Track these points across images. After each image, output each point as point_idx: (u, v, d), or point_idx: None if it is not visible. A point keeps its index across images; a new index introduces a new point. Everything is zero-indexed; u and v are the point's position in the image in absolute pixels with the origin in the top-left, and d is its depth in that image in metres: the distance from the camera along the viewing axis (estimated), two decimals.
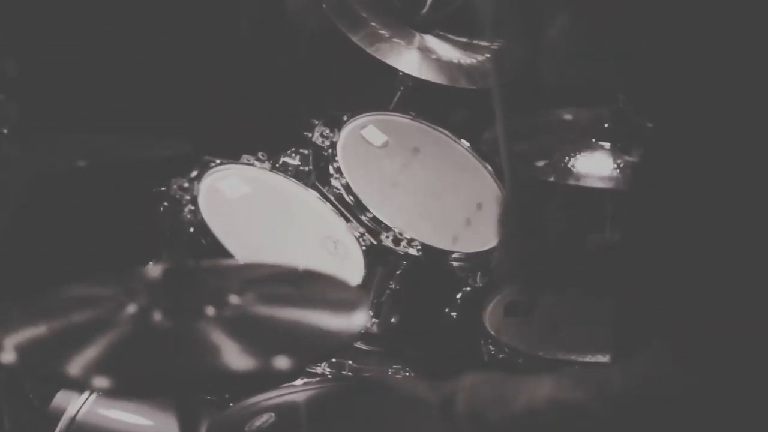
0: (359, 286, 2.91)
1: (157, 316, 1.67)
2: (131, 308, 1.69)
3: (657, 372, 1.75)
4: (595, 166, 3.11)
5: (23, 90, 2.46)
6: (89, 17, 3.66)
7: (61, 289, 1.80)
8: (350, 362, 3.04)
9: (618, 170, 3.08)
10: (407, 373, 3.09)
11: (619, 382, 1.79)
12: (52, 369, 1.59)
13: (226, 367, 1.56)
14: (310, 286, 1.88)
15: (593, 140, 3.18)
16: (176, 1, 3.81)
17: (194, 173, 2.93)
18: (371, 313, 3.14)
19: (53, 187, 3.20)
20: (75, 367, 1.55)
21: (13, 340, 1.62)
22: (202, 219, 2.79)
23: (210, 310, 1.68)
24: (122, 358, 1.61)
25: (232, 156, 3.10)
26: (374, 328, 3.21)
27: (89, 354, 1.58)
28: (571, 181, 3.06)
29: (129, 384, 1.60)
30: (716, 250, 1.72)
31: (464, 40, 3.67)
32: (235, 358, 1.58)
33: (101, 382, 1.54)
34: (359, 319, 1.71)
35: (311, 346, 1.68)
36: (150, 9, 3.75)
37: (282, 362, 1.55)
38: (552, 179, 3.08)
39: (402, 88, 3.61)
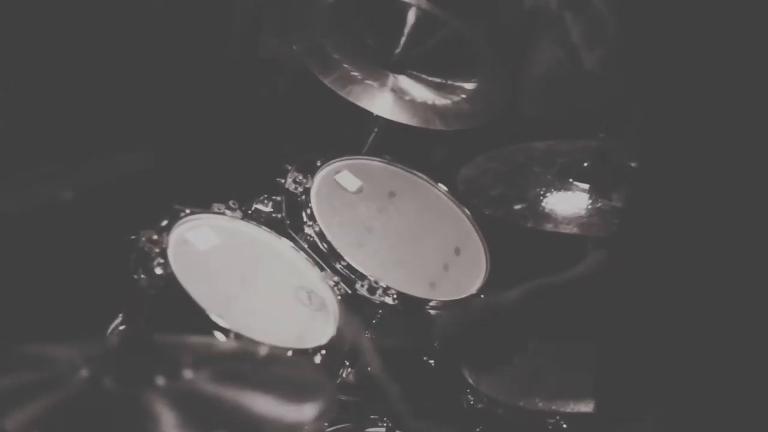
0: (334, 337, 2.84)
1: (108, 382, 1.69)
2: (84, 372, 1.71)
3: None
4: (574, 210, 3.05)
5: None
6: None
7: (14, 345, 1.81)
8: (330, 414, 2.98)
9: (597, 214, 3.02)
10: (385, 423, 3.04)
11: None
12: None
13: None
14: (272, 367, 1.90)
15: (571, 181, 3.12)
16: (148, 43, 3.76)
17: (164, 223, 2.87)
18: (347, 363, 3.08)
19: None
20: (10, 423, 1.57)
21: None
22: (172, 272, 2.72)
23: (160, 381, 1.69)
24: (60, 418, 1.63)
25: (203, 203, 3.03)
26: (351, 378, 3.14)
27: (29, 412, 1.61)
28: (549, 227, 3.01)
29: None
30: (703, 298, 1.68)
31: (438, 80, 3.61)
32: (172, 430, 1.60)
33: None
34: (307, 412, 1.75)
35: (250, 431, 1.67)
36: (116, 48, 3.70)
37: None
38: (529, 224, 3.03)
39: (376, 130, 3.55)
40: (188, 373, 1.72)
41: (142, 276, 2.74)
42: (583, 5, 2.08)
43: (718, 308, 1.67)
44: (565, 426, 2.87)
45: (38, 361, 1.77)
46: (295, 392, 1.80)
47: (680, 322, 1.70)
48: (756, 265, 1.67)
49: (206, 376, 1.73)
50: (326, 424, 3.00)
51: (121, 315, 2.87)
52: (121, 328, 2.80)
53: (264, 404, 1.73)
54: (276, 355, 1.97)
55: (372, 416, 3.09)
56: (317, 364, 2.66)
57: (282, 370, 1.91)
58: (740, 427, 1.69)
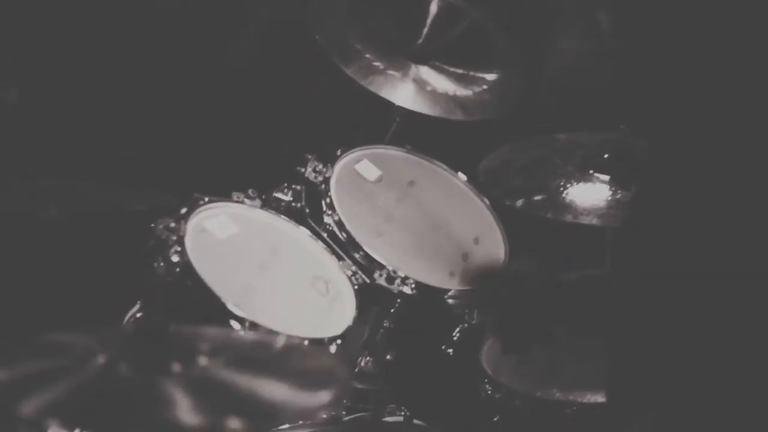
0: (350, 326, 2.85)
1: (123, 368, 1.70)
2: (100, 358, 1.73)
3: None
4: (594, 201, 3.04)
5: None
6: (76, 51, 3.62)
7: (36, 334, 1.83)
8: (345, 401, 2.99)
9: (617, 206, 3.01)
10: (403, 412, 3.04)
11: None
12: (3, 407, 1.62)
13: (173, 421, 1.58)
14: (286, 355, 1.90)
15: (591, 172, 3.11)
16: (166, 32, 3.77)
17: (183, 211, 2.88)
18: (366, 352, 3.09)
19: (30, 233, 3.15)
20: (28, 407, 1.59)
21: None
22: (188, 261, 2.73)
23: (176, 368, 1.71)
24: (77, 404, 1.64)
25: (222, 192, 3.04)
26: (369, 367, 3.14)
27: (46, 397, 1.62)
28: (569, 218, 3.00)
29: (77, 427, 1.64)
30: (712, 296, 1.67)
31: (460, 71, 3.61)
32: (186, 414, 1.61)
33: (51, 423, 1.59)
34: (322, 397, 1.73)
35: (264, 416, 1.68)
36: (138, 41, 3.71)
37: (233, 423, 1.58)
38: (549, 215, 3.03)
39: (398, 119, 3.55)
40: (203, 360, 1.74)
41: (160, 263, 2.75)
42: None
43: (724, 306, 1.66)
44: (581, 416, 2.86)
45: (57, 348, 1.79)
46: (309, 380, 1.79)
47: (684, 319, 1.70)
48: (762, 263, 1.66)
49: (221, 364, 1.75)
50: (344, 412, 3.01)
51: (138, 303, 2.88)
52: (138, 315, 2.81)
53: (278, 391, 1.74)
54: (290, 344, 1.96)
55: (390, 405, 3.09)
56: (331, 354, 2.66)
57: (296, 359, 1.91)
58: (741, 426, 1.68)
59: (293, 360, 1.91)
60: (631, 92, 1.87)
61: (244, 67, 3.91)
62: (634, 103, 1.97)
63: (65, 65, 3.59)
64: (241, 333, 2.28)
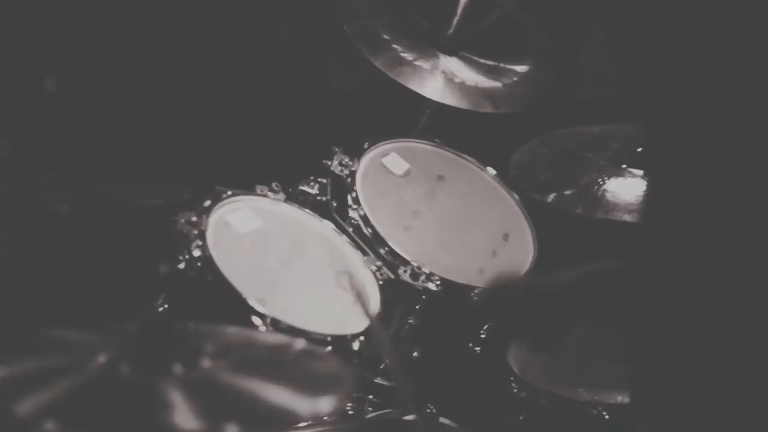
0: (374, 323, 2.80)
1: (124, 369, 1.68)
2: (101, 358, 1.70)
3: None
4: (625, 196, 2.98)
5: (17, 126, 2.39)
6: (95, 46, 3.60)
7: (36, 331, 1.82)
8: (371, 397, 2.96)
9: None
10: (429, 409, 3.00)
11: None
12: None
13: (170, 426, 1.56)
14: (293, 359, 1.87)
15: (624, 167, 3.05)
16: (192, 23, 3.74)
17: (206, 204, 2.85)
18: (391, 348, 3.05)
19: (40, 228, 3.13)
20: (25, 408, 1.57)
21: None
22: (210, 256, 2.70)
23: (178, 369, 1.68)
24: (74, 404, 1.62)
25: (246, 185, 3.01)
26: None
27: (44, 397, 1.60)
28: (600, 214, 2.94)
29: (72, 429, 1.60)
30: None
31: (490, 62, 3.55)
32: (184, 417, 1.58)
33: (47, 425, 1.56)
34: (324, 405, 1.71)
35: (264, 422, 1.65)
36: (162, 31, 3.69)
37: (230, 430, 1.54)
38: (579, 211, 2.97)
39: (428, 111, 3.50)
40: (206, 362, 1.71)
41: (185, 257, 2.73)
42: None
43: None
44: (606, 416, 2.81)
45: (57, 346, 1.77)
46: (311, 386, 1.76)
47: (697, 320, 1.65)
48: None
49: (223, 366, 1.72)
50: (370, 408, 2.98)
51: (161, 297, 2.86)
52: (161, 309, 2.78)
53: (280, 395, 1.71)
54: (298, 347, 1.93)
55: (416, 403, 3.04)
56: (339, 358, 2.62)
57: (303, 365, 1.87)
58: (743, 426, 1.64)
59: (299, 363, 1.87)
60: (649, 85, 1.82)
61: (271, 59, 3.87)
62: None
63: (85, 58, 3.57)
64: (250, 333, 2.22)
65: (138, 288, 2.79)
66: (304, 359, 1.88)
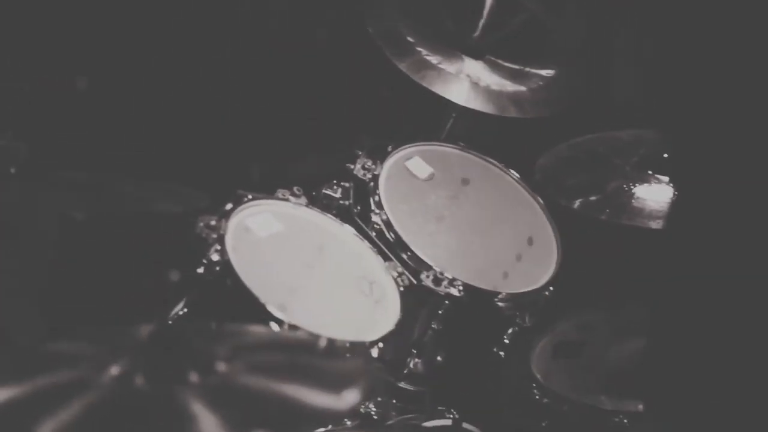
0: (393, 329, 2.78)
1: (139, 380, 1.64)
2: (114, 370, 1.66)
3: None
4: (651, 203, 2.95)
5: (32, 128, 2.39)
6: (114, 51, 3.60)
7: (45, 344, 1.80)
8: (395, 402, 2.95)
9: None
10: (452, 414, 2.98)
11: None
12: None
13: None
14: (310, 356, 1.83)
15: (651, 173, 3.01)
16: (219, 26, 3.74)
17: (228, 207, 2.84)
18: (414, 352, 3.03)
19: (56, 234, 3.13)
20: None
21: None
22: (228, 260, 2.69)
23: (194, 377, 1.65)
24: (94, 424, 1.58)
25: (268, 189, 2.99)
26: (419, 368, 3.08)
27: (62, 417, 1.56)
28: (625, 220, 2.91)
29: None
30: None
31: (516, 66, 3.52)
32: (209, 428, 1.55)
33: None
34: (350, 398, 1.66)
35: (292, 424, 1.61)
36: (192, 36, 3.68)
37: None
38: (604, 217, 2.94)
39: (454, 115, 3.47)
40: (221, 366, 1.68)
41: (203, 261, 2.72)
42: None
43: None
44: (627, 424, 2.78)
45: (69, 360, 1.74)
46: (332, 382, 1.72)
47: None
48: None
49: (240, 368, 1.69)
50: (394, 413, 2.97)
51: (183, 301, 2.85)
52: (180, 314, 2.77)
53: (303, 394, 1.69)
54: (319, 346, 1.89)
55: (439, 407, 3.03)
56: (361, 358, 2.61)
57: (321, 361, 1.85)
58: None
59: (319, 362, 1.84)
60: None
61: (294, 62, 3.86)
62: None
63: (108, 62, 3.57)
64: (267, 333, 2.19)
65: (152, 295, 2.78)
66: (325, 358, 1.85)
